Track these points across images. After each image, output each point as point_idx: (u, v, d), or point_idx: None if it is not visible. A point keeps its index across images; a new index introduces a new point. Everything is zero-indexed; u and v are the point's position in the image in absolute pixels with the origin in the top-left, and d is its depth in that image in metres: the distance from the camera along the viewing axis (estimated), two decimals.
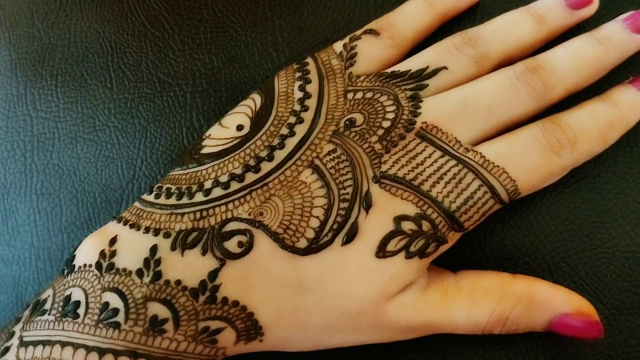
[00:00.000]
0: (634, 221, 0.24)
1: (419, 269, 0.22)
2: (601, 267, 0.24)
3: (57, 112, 0.29)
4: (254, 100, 0.25)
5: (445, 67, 0.24)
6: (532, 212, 0.25)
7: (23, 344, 0.21)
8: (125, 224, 0.22)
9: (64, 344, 0.20)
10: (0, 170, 0.29)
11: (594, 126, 0.22)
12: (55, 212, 0.28)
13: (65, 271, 0.22)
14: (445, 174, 0.22)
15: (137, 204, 0.23)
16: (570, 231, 0.24)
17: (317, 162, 0.22)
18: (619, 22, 0.24)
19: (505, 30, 0.24)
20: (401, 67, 0.24)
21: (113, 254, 0.21)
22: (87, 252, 0.22)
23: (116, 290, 0.21)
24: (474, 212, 0.22)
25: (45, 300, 0.22)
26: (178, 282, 0.21)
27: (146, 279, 0.21)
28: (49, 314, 0.21)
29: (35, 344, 0.20)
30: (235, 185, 0.22)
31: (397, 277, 0.21)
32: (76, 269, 0.22)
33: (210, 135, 0.24)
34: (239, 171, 0.22)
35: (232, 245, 0.21)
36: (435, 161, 0.22)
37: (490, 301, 0.21)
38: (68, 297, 0.21)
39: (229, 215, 0.22)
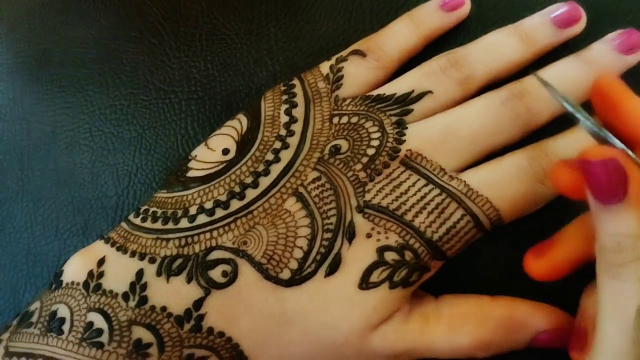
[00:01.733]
0: None
1: (403, 297, 0.22)
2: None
3: (53, 117, 0.30)
4: (240, 122, 0.25)
5: (430, 91, 0.23)
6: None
7: (8, 354, 0.21)
8: (112, 246, 0.23)
9: (47, 358, 0.20)
10: None
11: None
12: (51, 218, 0.28)
13: (53, 286, 0.22)
14: (428, 203, 0.22)
15: (124, 224, 0.23)
16: None
17: (301, 190, 0.22)
18: (606, 43, 0.23)
19: (492, 50, 0.24)
20: (387, 90, 0.24)
21: (101, 275, 0.22)
22: (75, 269, 0.22)
23: (101, 311, 0.21)
24: (456, 241, 0.22)
25: (32, 313, 0.22)
26: (163, 308, 0.21)
27: (132, 303, 0.21)
28: (34, 327, 0.21)
29: (19, 355, 0.21)
30: (220, 213, 0.22)
31: (380, 308, 0.21)
32: (64, 285, 0.22)
33: (196, 156, 0.24)
34: (223, 198, 0.22)
35: (216, 274, 0.21)
36: (419, 190, 0.22)
37: (469, 327, 0.21)
38: (54, 313, 0.21)
39: (213, 244, 0.22)
